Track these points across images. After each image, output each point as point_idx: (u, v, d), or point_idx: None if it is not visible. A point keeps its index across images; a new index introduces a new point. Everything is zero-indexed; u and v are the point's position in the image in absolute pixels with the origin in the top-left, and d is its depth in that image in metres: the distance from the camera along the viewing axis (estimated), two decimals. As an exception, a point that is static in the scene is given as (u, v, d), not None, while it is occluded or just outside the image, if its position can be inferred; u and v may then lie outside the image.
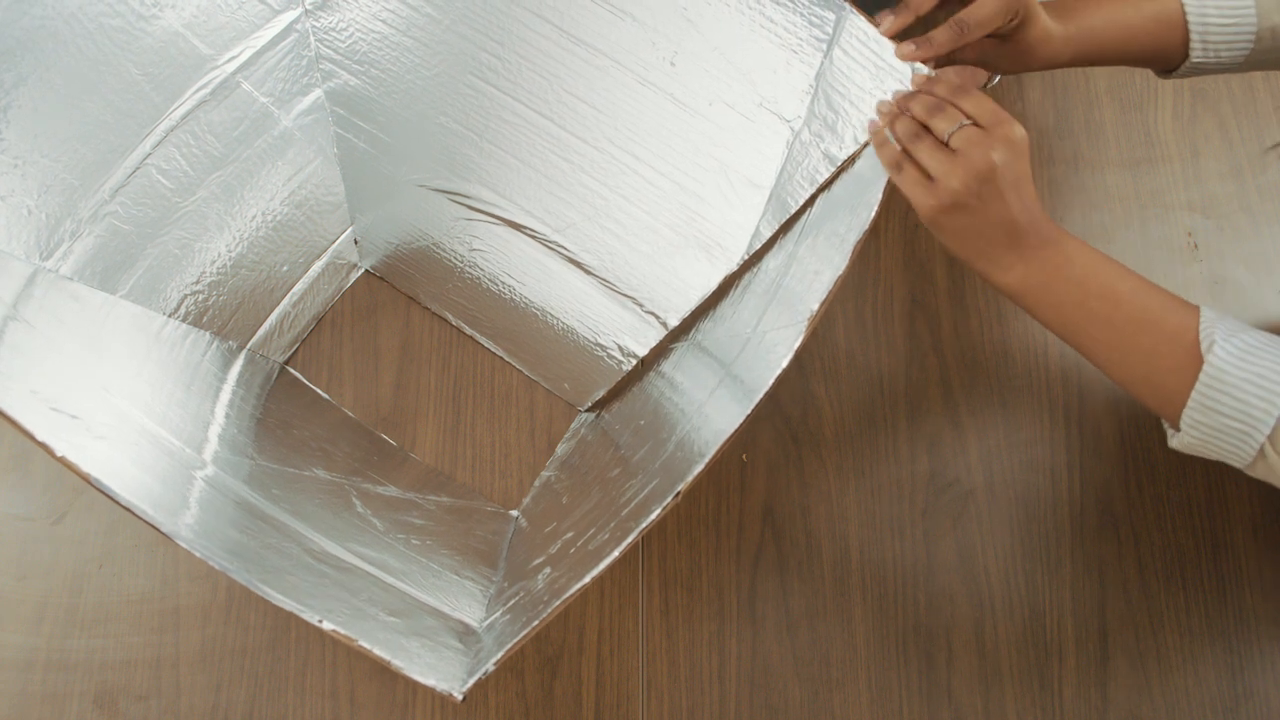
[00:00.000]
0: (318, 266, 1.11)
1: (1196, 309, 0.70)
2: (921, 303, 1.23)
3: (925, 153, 0.70)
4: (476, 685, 0.64)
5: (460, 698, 0.62)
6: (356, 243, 1.14)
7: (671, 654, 1.11)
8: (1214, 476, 1.20)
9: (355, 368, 1.15)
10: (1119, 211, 1.29)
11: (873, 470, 1.18)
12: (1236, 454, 0.69)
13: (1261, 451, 0.67)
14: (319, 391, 1.13)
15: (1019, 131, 0.69)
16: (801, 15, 0.75)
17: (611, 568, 0.63)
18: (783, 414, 1.19)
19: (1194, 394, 0.68)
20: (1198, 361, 0.68)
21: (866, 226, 0.69)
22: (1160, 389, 0.70)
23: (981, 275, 0.73)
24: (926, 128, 0.70)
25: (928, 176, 0.70)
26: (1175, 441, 0.73)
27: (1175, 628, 1.16)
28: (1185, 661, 1.15)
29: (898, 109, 0.73)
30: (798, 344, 0.66)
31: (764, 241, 0.87)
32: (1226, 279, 1.28)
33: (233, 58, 0.90)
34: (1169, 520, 1.19)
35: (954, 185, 0.69)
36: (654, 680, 1.10)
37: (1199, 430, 0.69)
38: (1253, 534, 1.19)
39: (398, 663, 0.63)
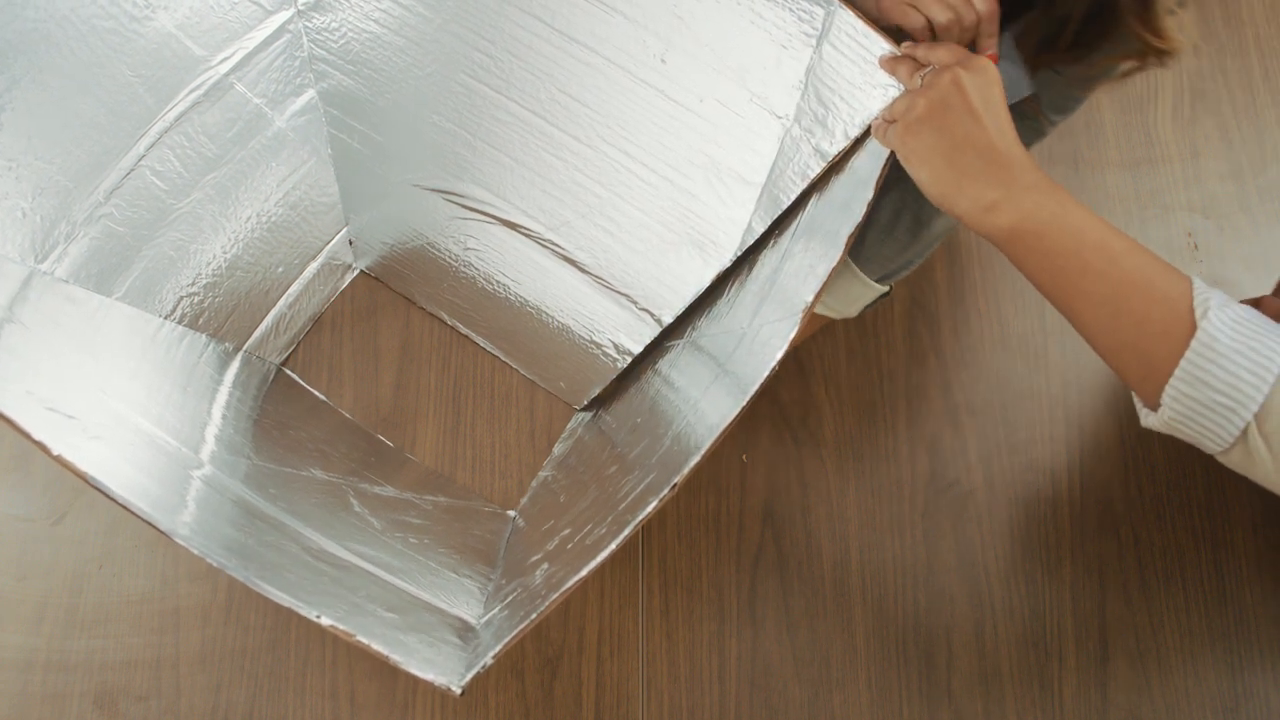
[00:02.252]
0: (313, 267, 1.11)
1: (1189, 278, 0.66)
2: (921, 303, 1.23)
3: (897, 102, 0.71)
4: (477, 685, 0.64)
5: (459, 691, 0.62)
6: (351, 243, 1.14)
7: (671, 654, 1.11)
8: (1214, 476, 1.20)
9: (355, 368, 1.15)
10: (1119, 212, 1.29)
11: (873, 470, 1.18)
12: (1216, 434, 0.65)
13: (1244, 433, 0.64)
14: (315, 393, 1.13)
15: (986, 61, 0.68)
16: (791, 11, 0.75)
17: (611, 567, 0.63)
18: (783, 414, 1.19)
19: (1183, 362, 0.64)
20: (1188, 329, 0.64)
21: (859, 219, 0.68)
22: (1147, 356, 0.66)
23: (967, 220, 0.69)
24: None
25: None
26: (1151, 420, 0.68)
27: (1175, 628, 1.15)
28: (1185, 661, 1.14)
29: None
30: (791, 336, 0.66)
31: (757, 237, 0.87)
32: (1226, 279, 1.27)
33: (226, 59, 0.91)
34: (1169, 520, 1.19)
35: (919, 105, 0.68)
36: (654, 681, 1.10)
37: (1182, 404, 0.65)
38: (1253, 534, 1.19)
39: (396, 657, 0.62)
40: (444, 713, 1.07)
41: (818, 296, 0.66)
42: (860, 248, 1.01)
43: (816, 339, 1.21)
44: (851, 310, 1.07)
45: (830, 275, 0.66)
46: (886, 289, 1.04)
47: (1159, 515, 1.19)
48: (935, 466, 1.19)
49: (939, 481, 1.19)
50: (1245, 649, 1.16)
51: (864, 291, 1.04)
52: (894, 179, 0.99)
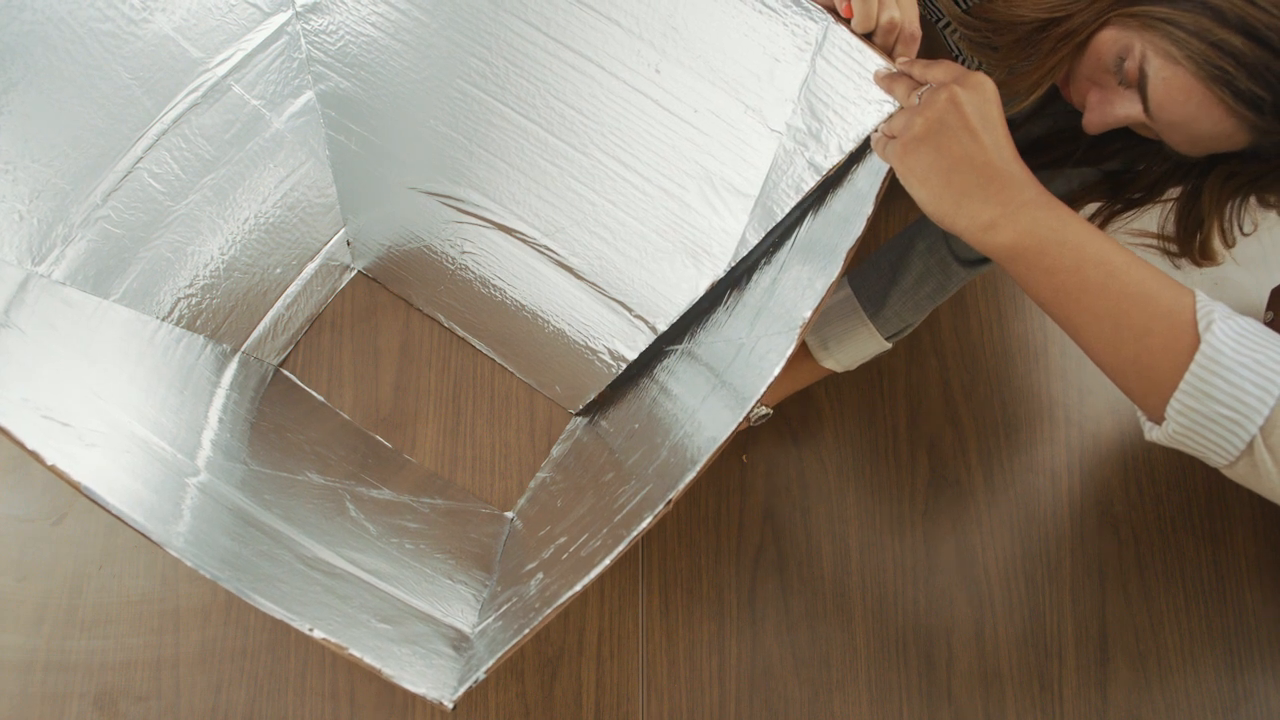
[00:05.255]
0: (311, 268, 1.11)
1: (1192, 291, 0.65)
2: (921, 302, 1.23)
3: (896, 118, 0.70)
4: (475, 688, 0.64)
5: (450, 706, 0.62)
6: (349, 244, 1.14)
7: (671, 654, 1.11)
8: (1214, 477, 1.20)
9: (355, 369, 1.15)
10: (1120, 210, 1.28)
11: (873, 470, 1.18)
12: (1221, 448, 0.64)
13: (1250, 446, 0.63)
14: (314, 394, 1.13)
15: (983, 77, 0.67)
16: (785, 25, 0.74)
17: (610, 569, 0.63)
18: (783, 414, 1.19)
19: (1187, 376, 0.63)
20: (1192, 342, 0.63)
21: (859, 234, 0.68)
22: (1150, 371, 0.65)
23: (967, 238, 0.69)
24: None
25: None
26: (1156, 434, 0.68)
27: (1175, 628, 1.15)
28: (1185, 662, 1.14)
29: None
30: (790, 351, 0.66)
31: (750, 249, 0.87)
32: (1226, 279, 1.27)
33: (223, 60, 0.90)
34: (1169, 520, 1.19)
35: (917, 123, 0.68)
36: (654, 681, 1.10)
37: (1186, 418, 0.64)
38: (1253, 534, 1.19)
39: (388, 671, 0.62)
40: (443, 714, 1.07)
41: (815, 312, 0.66)
42: (882, 306, 1.03)
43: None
44: (854, 364, 1.09)
45: (828, 292, 0.66)
46: (890, 345, 1.07)
47: (1159, 515, 1.19)
48: (935, 466, 1.19)
49: (939, 482, 1.18)
50: (1245, 649, 1.16)
51: (875, 347, 1.06)
52: (925, 246, 1.00)
